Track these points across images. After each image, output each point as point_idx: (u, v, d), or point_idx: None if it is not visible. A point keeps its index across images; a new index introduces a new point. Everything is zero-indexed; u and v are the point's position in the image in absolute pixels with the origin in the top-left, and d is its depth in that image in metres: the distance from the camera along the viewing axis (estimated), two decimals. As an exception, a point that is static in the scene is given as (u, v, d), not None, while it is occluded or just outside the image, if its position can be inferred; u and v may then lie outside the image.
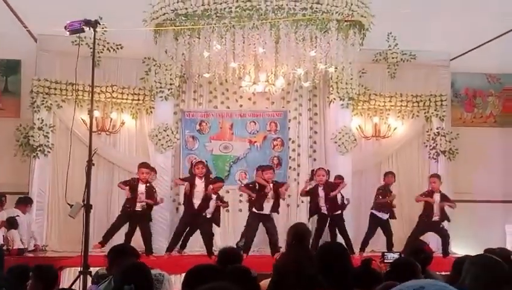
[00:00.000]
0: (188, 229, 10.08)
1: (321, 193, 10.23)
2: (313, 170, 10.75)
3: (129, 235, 9.87)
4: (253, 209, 10.03)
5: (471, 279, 3.40)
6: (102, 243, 9.44)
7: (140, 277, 3.74)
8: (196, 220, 10.00)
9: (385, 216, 10.67)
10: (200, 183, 10.01)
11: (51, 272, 5.15)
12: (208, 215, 10.03)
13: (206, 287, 2.32)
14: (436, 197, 10.57)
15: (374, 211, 10.74)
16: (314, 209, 10.36)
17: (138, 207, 9.89)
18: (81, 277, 5.76)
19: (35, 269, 5.05)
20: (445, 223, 10.68)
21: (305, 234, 5.70)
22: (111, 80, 11.58)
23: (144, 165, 10.18)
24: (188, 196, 10.01)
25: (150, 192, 10.03)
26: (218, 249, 5.88)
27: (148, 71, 11.51)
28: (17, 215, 10.50)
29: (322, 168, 10.51)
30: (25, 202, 10.82)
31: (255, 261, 8.32)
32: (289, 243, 5.65)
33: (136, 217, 9.92)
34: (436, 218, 10.51)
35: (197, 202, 9.93)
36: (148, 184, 10.04)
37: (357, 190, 11.71)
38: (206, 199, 9.95)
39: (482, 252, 5.25)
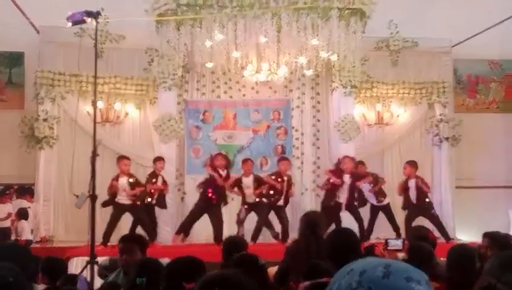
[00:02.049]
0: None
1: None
2: (339, 159, 10.76)
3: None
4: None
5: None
6: (105, 244, 9.43)
7: (155, 272, 3.81)
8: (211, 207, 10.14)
9: (379, 202, 10.73)
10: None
11: (59, 265, 5.20)
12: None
13: (214, 275, 2.36)
14: (411, 183, 10.54)
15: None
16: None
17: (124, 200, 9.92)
18: (89, 266, 5.84)
19: (43, 262, 5.10)
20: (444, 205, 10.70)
21: (318, 222, 5.73)
22: (114, 70, 11.60)
23: (125, 157, 10.24)
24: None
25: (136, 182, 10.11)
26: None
27: (151, 62, 11.52)
28: (29, 207, 10.58)
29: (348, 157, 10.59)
30: (29, 192, 10.89)
31: (261, 249, 8.39)
32: (302, 231, 5.68)
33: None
34: (415, 202, 10.48)
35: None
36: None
37: (360, 177, 11.77)
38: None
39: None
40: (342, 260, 3.50)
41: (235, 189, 10.32)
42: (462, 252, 4.44)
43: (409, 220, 10.24)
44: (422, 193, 10.48)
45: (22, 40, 11.71)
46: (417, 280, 1.41)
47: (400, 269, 1.43)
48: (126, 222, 10.02)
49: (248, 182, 10.26)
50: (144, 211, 10.10)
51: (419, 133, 12.50)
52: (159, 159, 10.42)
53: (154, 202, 10.29)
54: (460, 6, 10.40)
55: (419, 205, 10.44)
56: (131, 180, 9.92)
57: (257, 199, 10.14)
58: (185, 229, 10.12)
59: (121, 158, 10.07)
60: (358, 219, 10.27)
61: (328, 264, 3.85)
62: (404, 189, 10.57)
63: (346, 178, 10.34)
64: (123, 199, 9.82)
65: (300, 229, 5.75)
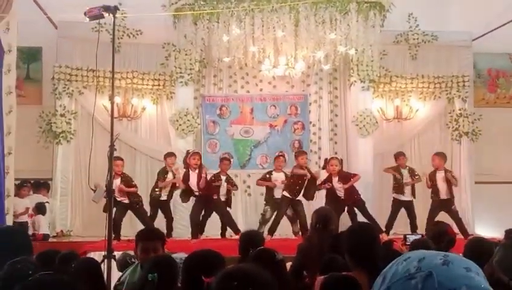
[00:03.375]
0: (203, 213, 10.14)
1: (336, 184, 10.04)
2: (326, 159, 10.56)
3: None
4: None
5: (499, 259, 3.41)
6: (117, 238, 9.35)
7: (166, 267, 3.79)
8: (209, 203, 10.01)
9: (406, 197, 10.56)
10: (193, 175, 9.88)
11: (72, 258, 5.19)
12: (222, 198, 10.08)
13: (233, 269, 2.33)
14: (440, 175, 10.43)
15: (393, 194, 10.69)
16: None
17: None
18: (106, 261, 5.83)
19: (58, 257, 5.10)
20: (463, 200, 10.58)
21: (330, 218, 5.72)
22: (131, 65, 11.63)
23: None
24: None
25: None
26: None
27: (168, 56, 11.53)
28: (47, 202, 10.64)
29: (336, 158, 10.38)
30: (44, 187, 10.96)
31: (277, 245, 8.35)
32: (313, 227, 5.67)
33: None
34: (444, 196, 10.39)
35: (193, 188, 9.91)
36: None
37: (378, 172, 11.63)
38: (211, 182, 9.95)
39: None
40: (362, 255, 3.47)
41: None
42: (478, 246, 4.39)
43: (432, 215, 10.18)
44: (449, 186, 10.39)
45: (39, 35, 11.73)
46: (476, 271, 1.41)
47: (458, 259, 1.44)
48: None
49: (280, 177, 10.17)
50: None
51: (439, 128, 12.37)
52: (169, 155, 10.35)
53: (165, 198, 10.23)
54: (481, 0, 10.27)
55: (443, 199, 10.36)
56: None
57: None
58: (196, 231, 10.04)
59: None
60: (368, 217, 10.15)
61: (343, 259, 3.82)
62: (432, 181, 10.45)
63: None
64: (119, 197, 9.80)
65: (312, 224, 5.75)
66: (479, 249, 4.27)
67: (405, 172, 10.66)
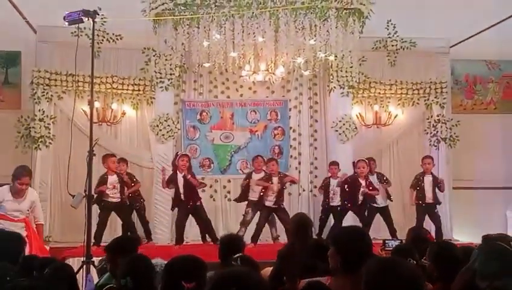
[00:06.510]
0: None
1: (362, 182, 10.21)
2: (353, 162, 10.54)
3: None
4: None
5: (480, 265, 3.44)
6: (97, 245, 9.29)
7: (140, 269, 3.76)
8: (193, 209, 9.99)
9: (378, 204, 10.65)
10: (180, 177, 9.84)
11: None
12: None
13: (228, 273, 2.35)
14: (427, 178, 10.57)
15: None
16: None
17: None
18: (84, 266, 5.82)
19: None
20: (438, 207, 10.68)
21: (309, 223, 5.77)
22: (111, 70, 11.57)
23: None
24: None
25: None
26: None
27: (148, 61, 11.50)
28: None
29: (364, 160, 10.40)
30: None
31: (257, 250, 8.38)
32: (293, 232, 5.71)
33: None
34: (429, 201, 10.50)
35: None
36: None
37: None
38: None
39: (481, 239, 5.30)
40: (359, 261, 3.46)
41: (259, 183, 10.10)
42: (439, 250, 4.43)
43: (420, 220, 10.31)
44: (435, 190, 10.53)
45: (18, 39, 11.68)
46: None
47: None
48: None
49: (258, 178, 10.18)
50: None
51: (417, 134, 12.46)
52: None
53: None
54: (458, 7, 10.38)
55: (428, 203, 10.48)
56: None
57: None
58: (181, 238, 10.01)
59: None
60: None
61: (323, 263, 3.83)
62: (418, 184, 10.58)
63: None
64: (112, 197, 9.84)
65: (292, 230, 5.77)
66: (445, 255, 4.32)
67: (374, 178, 10.75)
